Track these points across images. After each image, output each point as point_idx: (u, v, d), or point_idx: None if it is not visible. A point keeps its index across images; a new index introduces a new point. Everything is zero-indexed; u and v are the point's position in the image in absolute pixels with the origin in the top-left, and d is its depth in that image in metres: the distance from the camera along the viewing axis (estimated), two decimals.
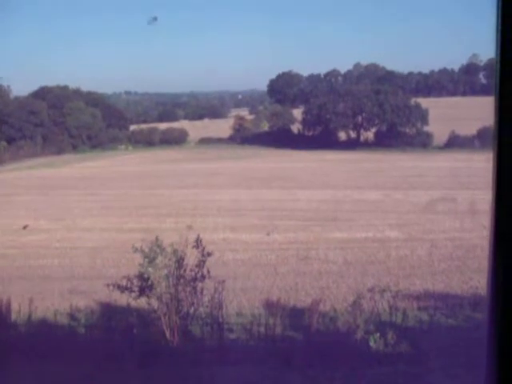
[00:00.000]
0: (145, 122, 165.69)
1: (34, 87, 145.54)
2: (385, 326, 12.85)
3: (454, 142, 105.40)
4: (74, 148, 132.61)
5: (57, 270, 27.96)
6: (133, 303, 13.70)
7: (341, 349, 10.64)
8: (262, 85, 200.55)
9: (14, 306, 15.04)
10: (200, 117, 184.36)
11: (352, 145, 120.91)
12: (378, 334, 11.18)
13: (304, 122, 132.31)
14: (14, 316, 14.94)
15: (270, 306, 17.12)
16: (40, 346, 11.59)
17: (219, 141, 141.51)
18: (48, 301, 19.78)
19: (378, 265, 26.59)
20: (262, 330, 12.62)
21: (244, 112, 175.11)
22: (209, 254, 12.89)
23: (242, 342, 12.44)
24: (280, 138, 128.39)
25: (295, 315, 14.51)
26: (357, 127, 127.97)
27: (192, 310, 12.54)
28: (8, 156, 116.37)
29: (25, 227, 31.96)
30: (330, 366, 10.15)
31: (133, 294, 13.24)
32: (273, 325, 12.40)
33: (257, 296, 21.22)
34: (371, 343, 11.11)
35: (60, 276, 26.74)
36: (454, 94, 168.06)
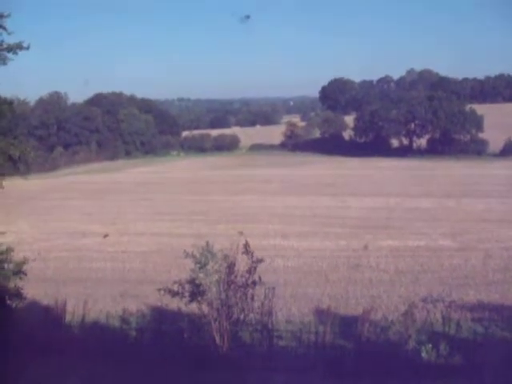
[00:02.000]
0: (197, 128, 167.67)
1: (90, 94, 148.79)
2: (437, 336, 12.60)
3: (510, 149, 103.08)
4: (128, 154, 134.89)
5: (109, 274, 28.43)
6: (183, 308, 13.79)
7: (392, 359, 10.49)
8: (314, 91, 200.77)
9: (69, 308, 15.35)
10: (252, 123, 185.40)
11: (404, 152, 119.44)
12: (431, 345, 10.97)
13: (356, 128, 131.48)
14: (68, 317, 15.24)
15: (320, 314, 17.04)
16: (92, 347, 11.79)
17: (270, 147, 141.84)
18: (100, 303, 20.14)
19: (431, 274, 26.13)
20: (312, 337, 12.55)
21: (295, 118, 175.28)
22: (259, 261, 12.87)
23: (292, 349, 12.38)
24: (331, 145, 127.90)
25: (345, 323, 14.39)
26: (409, 134, 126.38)
27: (242, 316, 12.54)
28: (64, 161, 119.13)
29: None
30: (381, 376, 10.02)
31: (184, 299, 13.33)
32: (323, 333, 12.30)
33: (307, 303, 21.14)
34: (423, 354, 10.91)
35: (112, 279, 27.18)
36: (510, 100, 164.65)
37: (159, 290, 13.64)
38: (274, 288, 12.86)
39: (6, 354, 10.78)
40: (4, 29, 14.60)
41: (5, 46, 14.71)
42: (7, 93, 16.70)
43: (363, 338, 12.25)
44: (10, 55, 15.00)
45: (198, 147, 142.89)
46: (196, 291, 12.96)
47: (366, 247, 30.64)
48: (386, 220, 41.32)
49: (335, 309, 17.23)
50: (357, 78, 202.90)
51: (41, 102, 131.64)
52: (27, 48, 15.10)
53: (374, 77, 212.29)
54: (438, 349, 10.92)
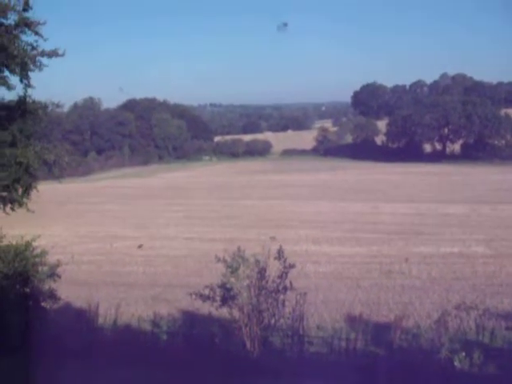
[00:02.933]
0: (229, 133, 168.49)
1: (123, 99, 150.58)
2: (471, 345, 12.40)
3: None
4: (160, 158, 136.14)
5: (141, 278, 28.64)
6: (214, 312, 13.81)
7: (424, 367, 10.35)
8: (346, 96, 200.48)
9: (101, 311, 15.49)
10: (283, 128, 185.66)
11: (438, 157, 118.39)
12: (464, 354, 10.80)
13: (388, 133, 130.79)
14: (100, 320, 15.38)
15: (352, 320, 16.91)
16: (124, 350, 11.86)
17: (302, 152, 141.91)
18: (132, 307, 20.30)
19: (464, 281, 25.78)
20: (343, 344, 12.43)
21: (327, 123, 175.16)
22: (291, 266, 12.81)
23: (323, 355, 12.30)
24: (363, 150, 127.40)
25: (377, 330, 14.25)
26: (443, 139, 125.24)
27: (273, 322, 12.48)
28: (97, 166, 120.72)
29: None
30: None
31: (215, 304, 13.35)
32: (354, 339, 12.19)
33: (338, 309, 21.02)
34: (456, 363, 10.73)
35: (144, 283, 27.37)
36: None
37: (190, 294, 13.68)
38: (305, 293, 12.79)
39: (39, 354, 10.91)
40: (40, 36, 14.86)
41: (40, 52, 14.96)
42: (42, 98, 16.95)
43: (395, 345, 12.12)
44: (45, 61, 15.25)
45: (230, 152, 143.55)
46: (227, 296, 12.95)
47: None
48: (418, 226, 40.93)
49: (367, 315, 17.11)
50: (389, 83, 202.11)
51: (75, 107, 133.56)
52: (62, 55, 15.34)
53: (407, 81, 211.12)
54: (472, 357, 10.73)
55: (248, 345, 11.96)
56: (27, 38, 14.77)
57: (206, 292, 13.35)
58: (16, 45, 14.30)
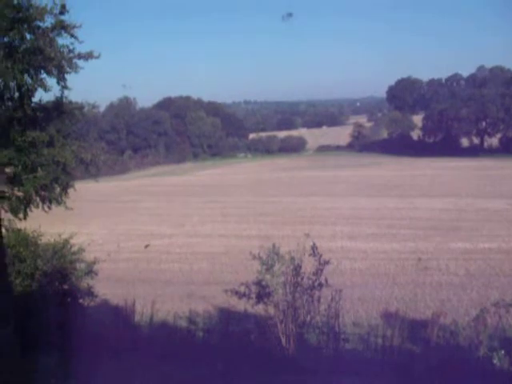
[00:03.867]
0: (263, 130, 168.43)
1: (159, 98, 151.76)
2: (510, 343, 12.20)
3: None
4: (195, 156, 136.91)
5: (177, 275, 28.87)
6: (250, 309, 13.84)
7: (462, 365, 10.22)
8: (381, 91, 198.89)
9: (137, 308, 15.66)
10: (318, 124, 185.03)
11: (475, 151, 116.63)
12: (503, 352, 10.62)
13: (424, 128, 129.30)
14: (137, 317, 15.55)
15: (388, 317, 16.77)
16: (160, 347, 11.97)
17: (337, 148, 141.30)
18: (168, 304, 20.46)
19: (503, 277, 25.38)
20: (380, 341, 12.33)
21: (362, 119, 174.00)
22: (326, 263, 12.76)
23: (359, 352, 12.22)
24: (399, 145, 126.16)
25: (414, 327, 14.09)
26: (480, 133, 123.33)
27: (308, 318, 12.45)
28: (133, 164, 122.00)
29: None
30: (450, 382, 9.78)
31: (250, 301, 13.38)
32: (390, 336, 12.07)
33: (374, 306, 20.91)
34: (495, 361, 10.55)
35: (180, 280, 27.59)
36: None
37: (226, 291, 13.74)
38: (340, 290, 12.72)
39: (77, 350, 11.08)
40: (76, 38, 15.06)
41: (76, 54, 15.18)
42: (78, 98, 17.21)
43: (432, 342, 11.97)
44: (81, 63, 15.46)
45: (265, 149, 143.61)
46: (262, 293, 12.97)
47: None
48: (456, 221, 40.40)
49: (403, 312, 16.91)
50: (425, 77, 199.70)
51: (111, 107, 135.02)
52: (98, 57, 15.53)
53: (443, 75, 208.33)
54: (511, 356, 10.56)
55: (283, 342, 11.96)
56: (63, 40, 15.00)
57: (242, 289, 13.39)
58: (53, 47, 14.52)
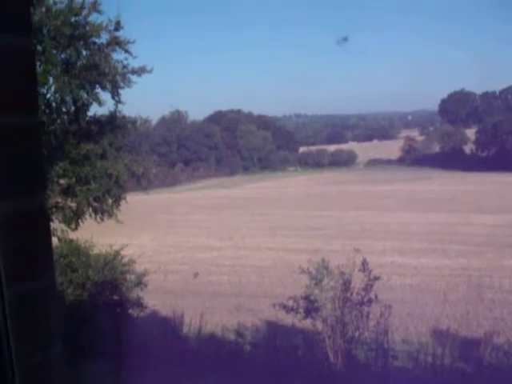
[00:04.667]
0: (314, 143, 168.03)
1: (209, 112, 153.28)
2: None
3: None
4: (245, 169, 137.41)
5: (225, 287, 28.94)
6: (298, 324, 13.80)
7: None
8: (433, 105, 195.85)
9: (186, 320, 15.77)
10: (369, 138, 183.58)
11: None
12: None
13: (477, 142, 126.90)
14: (185, 329, 15.66)
15: (439, 335, 16.46)
16: (208, 360, 12.02)
17: (388, 162, 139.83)
18: (216, 316, 20.53)
19: None
20: (429, 359, 12.12)
21: (414, 133, 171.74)
22: (376, 278, 12.63)
23: (408, 370, 12.03)
24: (451, 159, 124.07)
25: (465, 346, 13.81)
26: None
27: (357, 334, 12.34)
28: (184, 177, 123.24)
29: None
30: None
31: (298, 315, 13.34)
32: (441, 355, 11.85)
33: (424, 323, 20.54)
34: None
35: (228, 293, 27.64)
36: None
37: (274, 304, 13.75)
38: (390, 306, 12.57)
39: (125, 361, 11.22)
40: (130, 53, 15.42)
41: (130, 69, 15.52)
42: (131, 112, 17.56)
43: (485, 362, 11.71)
44: (134, 78, 15.80)
45: (315, 163, 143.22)
46: (311, 307, 12.93)
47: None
48: (510, 238, 39.41)
49: (454, 330, 16.59)
50: (478, 90, 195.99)
51: (163, 120, 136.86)
52: (150, 71, 15.87)
53: (497, 87, 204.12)
54: None
55: (331, 357, 11.87)
56: (118, 55, 15.38)
57: (290, 303, 13.37)
58: (107, 63, 14.88)
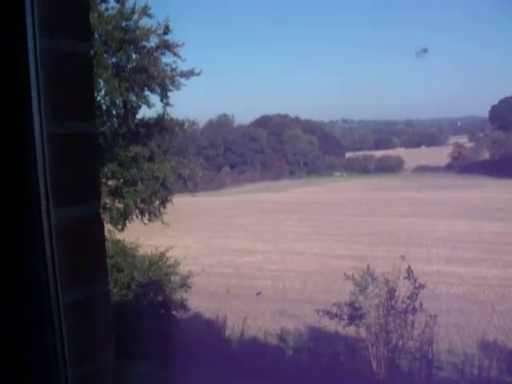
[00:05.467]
0: (360, 149, 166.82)
1: (256, 116, 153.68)
2: None
3: None
4: (291, 174, 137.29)
5: (269, 292, 28.93)
6: (341, 331, 13.69)
7: None
8: (483, 111, 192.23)
9: (229, 323, 15.82)
10: (416, 144, 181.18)
11: None
12: None
13: None
14: (228, 332, 15.71)
15: (485, 347, 16.11)
16: (249, 364, 12.03)
17: (436, 169, 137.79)
18: (259, 321, 20.52)
19: None
20: (475, 371, 11.86)
21: (463, 139, 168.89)
22: (421, 286, 12.46)
23: (452, 382, 11.81)
24: (502, 167, 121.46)
25: None
26: None
27: (401, 343, 12.18)
28: (230, 180, 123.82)
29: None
30: None
31: (341, 322, 13.25)
32: (487, 367, 11.60)
33: (471, 334, 20.12)
34: None
35: (272, 297, 27.62)
36: None
37: (318, 310, 13.69)
38: (435, 316, 12.37)
39: (168, 362, 11.30)
40: (178, 57, 15.62)
41: (178, 72, 15.71)
42: (179, 115, 17.76)
43: None
44: (182, 81, 15.98)
45: (362, 168, 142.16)
46: (354, 314, 12.83)
47: None
48: None
49: (502, 342, 16.24)
50: None
51: (210, 123, 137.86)
52: (198, 74, 16.03)
53: None
54: None
55: (374, 365, 11.74)
56: (166, 59, 15.59)
57: (334, 310, 13.29)
58: (156, 66, 15.11)
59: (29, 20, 1.11)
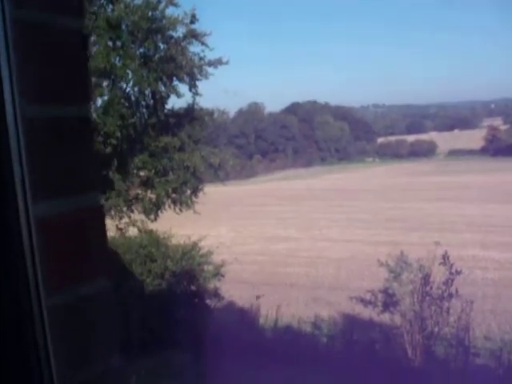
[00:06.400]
0: (392, 134, 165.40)
1: (286, 103, 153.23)
2: None
3: None
4: (322, 160, 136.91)
5: (302, 279, 28.85)
6: (375, 318, 13.59)
7: None
8: None
9: (262, 311, 15.81)
10: (450, 128, 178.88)
11: None
12: None
13: None
14: (261, 320, 15.71)
15: None
16: (283, 352, 12.01)
17: (470, 152, 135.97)
18: (293, 308, 20.46)
19: None
20: None
21: (497, 122, 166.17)
22: (457, 272, 12.25)
23: (490, 369, 11.63)
24: None
25: None
26: None
27: (436, 330, 12.01)
28: (261, 168, 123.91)
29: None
30: None
31: (376, 309, 13.15)
32: None
33: (508, 320, 19.81)
34: None
35: (305, 285, 27.55)
36: None
37: (351, 297, 13.61)
38: (471, 302, 12.17)
39: (203, 350, 11.34)
40: (206, 46, 15.57)
41: (207, 61, 15.67)
42: (209, 104, 17.76)
43: None
44: (211, 70, 15.93)
45: (394, 153, 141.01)
46: (389, 301, 12.72)
47: None
48: None
49: None
50: None
51: (240, 112, 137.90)
52: (226, 63, 15.97)
53: None
54: None
55: (409, 353, 11.62)
56: (194, 48, 15.55)
57: (368, 297, 13.20)
58: (184, 56, 15.08)
59: None
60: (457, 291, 12.09)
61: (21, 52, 1.01)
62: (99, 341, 1.16)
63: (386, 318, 12.87)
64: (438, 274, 12.36)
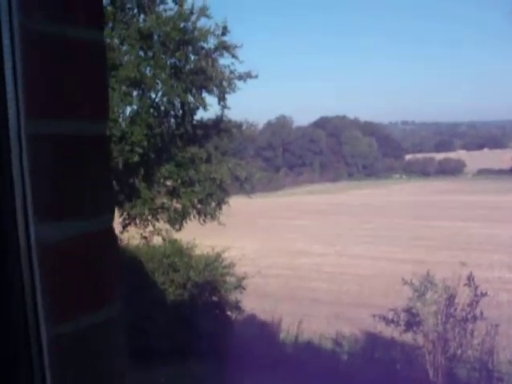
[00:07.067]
0: (421, 151, 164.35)
1: (315, 117, 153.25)
2: None
3: None
4: (349, 175, 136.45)
5: (325, 294, 28.68)
6: (397, 337, 13.41)
7: None
8: None
9: (283, 326, 15.72)
10: (479, 147, 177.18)
11: None
12: None
13: None
14: (282, 335, 15.62)
15: None
16: (303, 367, 11.92)
17: (499, 172, 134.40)
18: (314, 324, 20.31)
19: None
20: None
21: None
22: (483, 294, 12.06)
23: None
24: None
25: None
26: None
27: (459, 352, 11.82)
28: (288, 181, 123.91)
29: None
30: None
31: (398, 328, 12.98)
32: None
33: None
34: None
35: (327, 300, 27.37)
36: None
37: (374, 315, 13.45)
38: (497, 325, 11.97)
39: (223, 361, 11.31)
40: (236, 58, 15.62)
41: (236, 75, 15.72)
42: (237, 117, 17.80)
43: None
44: (239, 84, 15.98)
45: (421, 171, 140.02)
46: (412, 321, 12.54)
47: None
48: None
49: None
50: None
51: (269, 125, 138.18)
52: (256, 76, 15.99)
53: None
54: None
55: (431, 374, 11.44)
56: (224, 60, 15.62)
57: (390, 315, 13.03)
58: (214, 67, 15.15)
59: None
60: (481, 313, 11.89)
61: (30, 64, 0.95)
62: (107, 370, 1.09)
63: (408, 337, 12.70)
64: (463, 295, 12.18)
